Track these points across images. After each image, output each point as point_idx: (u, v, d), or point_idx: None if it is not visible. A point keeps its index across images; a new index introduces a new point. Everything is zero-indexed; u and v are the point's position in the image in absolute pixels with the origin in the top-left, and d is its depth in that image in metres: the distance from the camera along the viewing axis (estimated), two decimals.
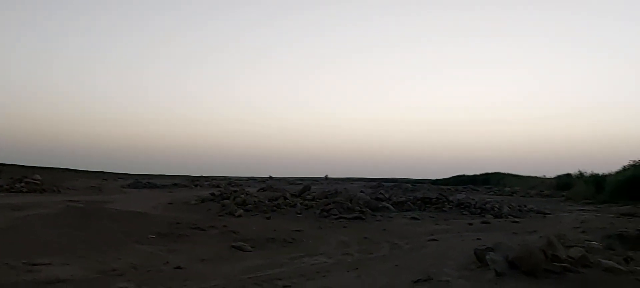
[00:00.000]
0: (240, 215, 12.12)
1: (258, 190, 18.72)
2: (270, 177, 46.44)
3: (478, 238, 8.78)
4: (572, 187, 31.34)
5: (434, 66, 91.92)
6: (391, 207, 15.23)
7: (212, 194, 15.97)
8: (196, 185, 30.92)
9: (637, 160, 25.33)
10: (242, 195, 15.05)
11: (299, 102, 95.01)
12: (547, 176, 42.81)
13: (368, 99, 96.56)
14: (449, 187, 39.52)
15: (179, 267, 5.95)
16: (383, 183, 40.46)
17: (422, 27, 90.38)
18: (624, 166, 26.53)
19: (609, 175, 27.30)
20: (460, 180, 56.40)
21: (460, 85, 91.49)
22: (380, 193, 19.92)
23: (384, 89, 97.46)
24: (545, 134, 76.43)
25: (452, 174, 64.66)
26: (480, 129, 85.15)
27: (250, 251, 7.57)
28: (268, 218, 12.07)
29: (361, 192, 19.98)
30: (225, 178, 42.45)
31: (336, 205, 13.59)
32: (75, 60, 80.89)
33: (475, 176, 58.46)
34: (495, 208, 15.68)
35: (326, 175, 52.57)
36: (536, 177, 45.29)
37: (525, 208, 16.90)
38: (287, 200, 14.76)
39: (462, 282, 4.66)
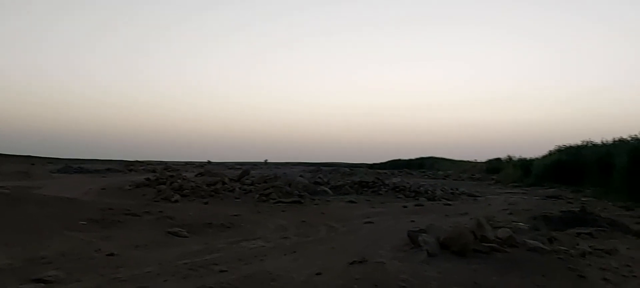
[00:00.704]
0: (176, 201, 11.93)
1: (196, 175, 18.40)
2: (209, 162, 45.67)
3: (412, 221, 9.07)
4: (501, 171, 32.85)
5: (372, 53, 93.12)
6: (329, 191, 15.44)
7: (148, 179, 15.58)
8: (131, 170, 29.94)
9: (562, 145, 26.83)
10: (179, 180, 14.78)
11: (239, 87, 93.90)
12: (479, 160, 44.60)
13: (308, 85, 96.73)
14: (385, 171, 40.31)
15: (111, 254, 5.81)
16: (322, 167, 40.76)
17: (361, 15, 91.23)
18: (550, 151, 28.06)
19: (536, 159, 28.78)
20: (396, 165, 57.77)
21: (397, 72, 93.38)
22: (319, 177, 20.11)
23: (323, 75, 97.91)
24: (477, 120, 79.39)
25: (388, 159, 66.13)
26: (416, 115, 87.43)
27: (187, 236, 7.50)
28: (206, 203, 11.94)
29: (300, 176, 20.06)
30: (161, 162, 41.33)
31: (275, 189, 13.63)
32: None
33: (410, 160, 60.10)
34: (429, 192, 16.25)
35: (266, 160, 52.25)
36: (468, 162, 47.11)
37: (457, 192, 17.60)
38: (226, 185, 14.63)
39: (395, 263, 4.82)
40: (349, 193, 15.67)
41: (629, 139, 17.81)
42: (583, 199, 15.03)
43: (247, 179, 16.02)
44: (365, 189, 16.49)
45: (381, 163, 64.19)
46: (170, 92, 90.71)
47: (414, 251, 5.37)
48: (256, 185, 14.74)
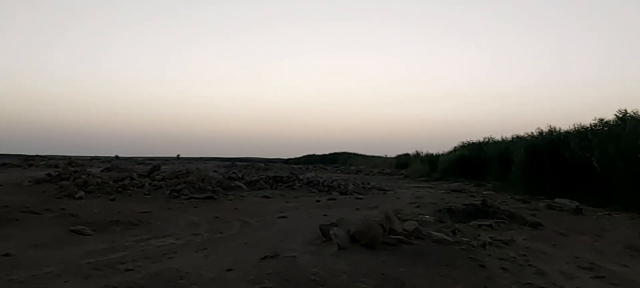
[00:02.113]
0: (81, 197, 11.30)
1: (102, 171, 17.52)
2: (117, 157, 43.72)
3: (325, 215, 9.18)
4: (410, 166, 34.11)
5: (287, 48, 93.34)
6: (244, 186, 15.30)
7: (49, 175, 14.63)
8: (30, 165, 27.95)
9: (465, 141, 28.30)
10: (84, 176, 14.01)
11: (150, 79, 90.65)
12: (389, 156, 46.03)
13: (223, 79, 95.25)
14: (300, 166, 40.61)
15: (7, 254, 5.40)
16: (237, 162, 40.34)
17: (277, 9, 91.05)
18: (455, 147, 29.49)
19: (442, 155, 30.12)
20: (310, 160, 58.42)
21: (312, 68, 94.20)
22: (234, 172, 19.86)
23: (238, 70, 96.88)
24: (388, 117, 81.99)
25: (303, 154, 66.70)
26: (330, 111, 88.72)
27: (91, 235, 7.14)
28: (113, 200, 11.42)
29: (214, 171, 19.73)
30: (64, 157, 39.02)
31: (187, 185, 13.30)
32: None
33: (324, 155, 61.03)
34: (342, 186, 16.56)
35: (178, 155, 50.85)
36: (379, 157, 48.52)
37: (368, 186, 18.06)
38: (134, 181, 14.07)
39: (307, 256, 4.86)
40: (264, 188, 15.62)
41: (525, 136, 19.07)
42: (484, 193, 15.93)
43: (157, 175, 15.51)
44: (279, 184, 16.51)
45: (296, 158, 64.71)
46: (75, 83, 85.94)
47: (326, 244, 5.43)
48: (167, 180, 14.30)
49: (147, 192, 12.78)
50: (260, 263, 4.48)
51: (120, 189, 12.85)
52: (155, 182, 14.06)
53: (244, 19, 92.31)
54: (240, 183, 15.58)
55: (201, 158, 62.44)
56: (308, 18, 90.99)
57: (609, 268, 5.46)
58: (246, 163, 39.29)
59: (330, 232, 5.58)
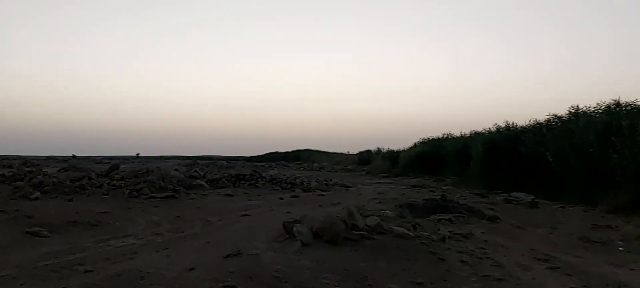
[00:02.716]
0: (36, 198, 10.96)
1: (59, 171, 17.02)
2: (74, 156, 42.56)
3: (288, 212, 9.19)
4: (371, 162, 34.48)
5: (249, 45, 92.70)
6: (205, 185, 15.14)
7: (3, 175, 14.11)
8: None
9: (425, 137, 28.78)
10: (39, 176, 13.58)
11: (108, 76, 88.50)
12: (351, 152, 46.39)
13: (183, 76, 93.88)
14: (262, 163, 40.48)
15: None
16: (198, 161, 39.88)
17: (238, 6, 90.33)
18: (415, 143, 29.95)
19: (403, 151, 30.57)
20: (273, 157, 58.31)
21: (274, 65, 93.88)
22: (195, 171, 19.63)
23: (200, 66, 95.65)
24: (350, 114, 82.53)
25: (266, 151, 66.44)
26: (293, 108, 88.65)
27: (48, 236, 6.94)
28: (70, 200, 11.12)
29: (175, 170, 19.48)
30: (19, 157, 37.77)
31: (147, 184, 13.06)
32: None
33: (287, 153, 60.99)
34: (304, 183, 16.60)
35: (138, 154, 49.90)
36: (341, 154, 48.90)
37: (331, 182, 18.17)
38: (93, 181, 13.73)
39: (270, 253, 4.87)
40: (226, 186, 15.50)
41: (483, 131, 19.54)
42: (444, 188, 16.27)
43: (116, 174, 15.18)
44: (242, 182, 16.41)
45: (259, 156, 64.40)
46: (30, 80, 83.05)
47: (289, 241, 5.45)
48: (126, 180, 14.01)
49: (105, 192, 12.50)
50: (223, 262, 4.46)
51: (77, 189, 12.52)
52: (114, 182, 13.76)
53: (205, 16, 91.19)
54: (202, 182, 15.41)
55: (161, 157, 61.43)
56: (271, 15, 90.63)
57: (563, 259, 5.67)
58: (208, 161, 38.86)
59: (294, 229, 5.60)
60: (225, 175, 17.72)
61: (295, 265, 4.41)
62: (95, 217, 8.57)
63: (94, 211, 9.21)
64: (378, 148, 37.06)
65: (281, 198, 12.76)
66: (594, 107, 12.98)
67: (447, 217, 8.41)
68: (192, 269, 4.24)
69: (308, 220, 6.00)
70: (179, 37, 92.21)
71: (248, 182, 16.41)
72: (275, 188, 15.61)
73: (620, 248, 6.62)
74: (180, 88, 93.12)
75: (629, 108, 11.54)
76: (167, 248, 5.92)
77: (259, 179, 16.88)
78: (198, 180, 15.63)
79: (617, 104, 12.08)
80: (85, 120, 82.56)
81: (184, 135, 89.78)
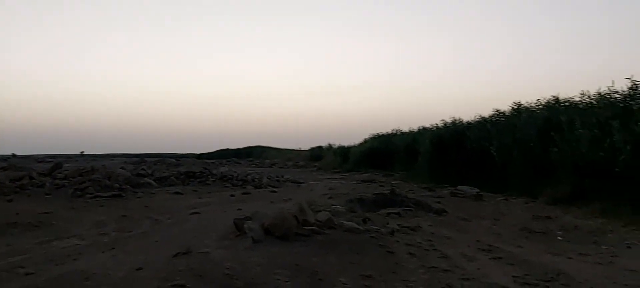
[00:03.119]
0: None
1: None
2: (14, 155, 40.73)
3: (239, 209, 9.13)
4: (323, 158, 34.65)
5: (201, 43, 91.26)
6: (154, 183, 14.82)
7: None
8: None
9: (375, 133, 29.14)
10: None
11: (51, 72, 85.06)
12: (303, 148, 46.46)
13: (132, 73, 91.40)
14: (213, 160, 39.98)
15: None
16: (146, 158, 38.93)
17: (189, 3, 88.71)
18: (366, 139, 30.29)
19: (354, 146, 30.85)
20: (224, 154, 57.64)
21: (225, 61, 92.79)
22: (142, 169, 19.18)
23: (148, 62, 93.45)
24: (302, 110, 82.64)
25: (217, 148, 65.63)
26: (244, 105, 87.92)
27: None
28: (9, 201, 10.64)
29: (121, 168, 18.98)
30: None
31: (92, 183, 12.67)
32: None
33: (239, 150, 60.40)
34: (256, 180, 16.53)
35: (82, 152, 48.30)
36: (293, 150, 48.89)
37: (283, 179, 18.16)
38: (34, 180, 13.21)
39: (221, 251, 4.83)
40: (175, 184, 15.22)
41: (431, 127, 19.97)
42: (393, 182, 16.56)
43: (59, 173, 14.67)
44: (192, 180, 16.18)
45: (209, 153, 63.61)
46: None
47: (240, 239, 5.43)
48: (70, 179, 13.55)
49: (48, 192, 12.05)
50: (172, 261, 4.40)
51: (17, 189, 12.01)
52: (57, 181, 13.28)
53: (152, 12, 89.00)
54: (149, 180, 15.08)
55: (107, 155, 59.78)
56: (220, 12, 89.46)
57: (506, 249, 5.90)
58: (156, 159, 37.95)
59: (245, 225, 5.58)
60: (174, 172, 17.42)
61: (246, 262, 4.40)
62: (37, 217, 8.26)
63: (35, 211, 8.86)
64: (329, 144, 37.27)
65: (232, 196, 12.65)
66: (535, 103, 13.53)
67: (396, 211, 8.57)
68: (140, 269, 4.16)
69: (259, 217, 5.99)
70: (126, 32, 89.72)
71: (198, 180, 16.19)
72: (226, 185, 15.46)
73: (559, 238, 6.95)
74: (128, 84, 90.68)
75: (567, 104, 12.07)
76: (113, 249, 5.78)
77: (210, 176, 16.68)
78: (146, 179, 15.30)
79: (557, 100, 12.63)
80: (25, 118, 79.12)
81: (131, 133, 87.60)
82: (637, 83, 9.25)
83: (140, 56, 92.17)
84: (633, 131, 8.23)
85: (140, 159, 36.97)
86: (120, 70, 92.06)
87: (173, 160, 35.67)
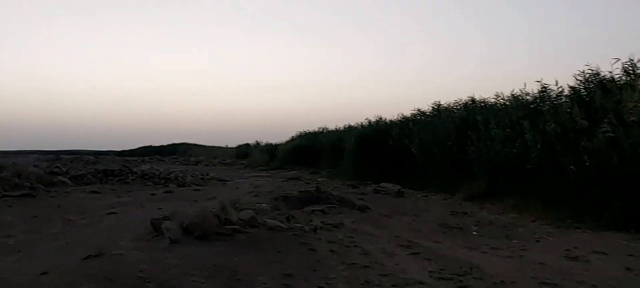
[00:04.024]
0: None
1: None
2: None
3: (159, 208, 8.84)
4: (250, 156, 34.36)
5: (121, 35, 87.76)
6: (68, 181, 14.10)
7: None
8: None
9: (302, 131, 29.27)
10: None
11: None
12: (229, 146, 45.90)
13: (48, 65, 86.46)
14: (135, 158, 38.61)
15: None
16: (62, 156, 37.02)
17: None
18: (293, 136, 30.35)
19: (281, 144, 30.83)
20: (147, 151, 55.84)
21: (149, 56, 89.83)
22: (57, 166, 18.22)
23: (66, 56, 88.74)
24: (229, 107, 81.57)
25: (139, 145, 63.49)
26: (167, 100, 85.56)
27: None
28: None
29: (34, 166, 18.00)
30: None
31: (0, 181, 11.86)
32: None
33: (163, 147, 58.72)
34: (179, 178, 16.09)
35: None
36: (220, 147, 48.16)
37: (208, 177, 17.80)
38: None
39: (135, 253, 4.64)
40: (92, 183, 14.55)
41: (356, 125, 20.31)
42: (319, 180, 16.65)
43: None
44: (110, 178, 15.53)
45: (131, 150, 61.43)
46: None
47: (157, 239, 5.25)
48: None
49: None
50: (82, 264, 4.17)
51: None
52: None
53: (71, 3, 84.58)
54: (64, 179, 14.33)
55: (20, 151, 56.26)
56: (143, 4, 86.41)
57: (424, 244, 6.07)
58: (73, 156, 36.23)
59: (162, 225, 5.40)
60: (91, 170, 16.69)
61: (161, 264, 4.25)
62: None
63: None
64: (257, 141, 37.05)
65: (153, 195, 12.24)
66: (453, 104, 14.08)
67: (320, 208, 8.61)
68: (45, 273, 3.91)
69: (179, 216, 5.82)
70: (42, 24, 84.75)
71: (117, 178, 15.57)
72: (147, 184, 14.96)
73: (475, 233, 7.24)
74: (43, 77, 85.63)
75: (482, 105, 12.65)
76: (19, 252, 5.42)
77: (129, 174, 16.09)
78: (60, 177, 14.53)
79: (473, 100, 13.23)
80: None
81: (47, 128, 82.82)
82: (546, 86, 9.82)
83: (57, 48, 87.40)
84: (543, 130, 8.72)
85: (55, 156, 35.15)
86: (36, 62, 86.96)
87: (91, 157, 34.18)
